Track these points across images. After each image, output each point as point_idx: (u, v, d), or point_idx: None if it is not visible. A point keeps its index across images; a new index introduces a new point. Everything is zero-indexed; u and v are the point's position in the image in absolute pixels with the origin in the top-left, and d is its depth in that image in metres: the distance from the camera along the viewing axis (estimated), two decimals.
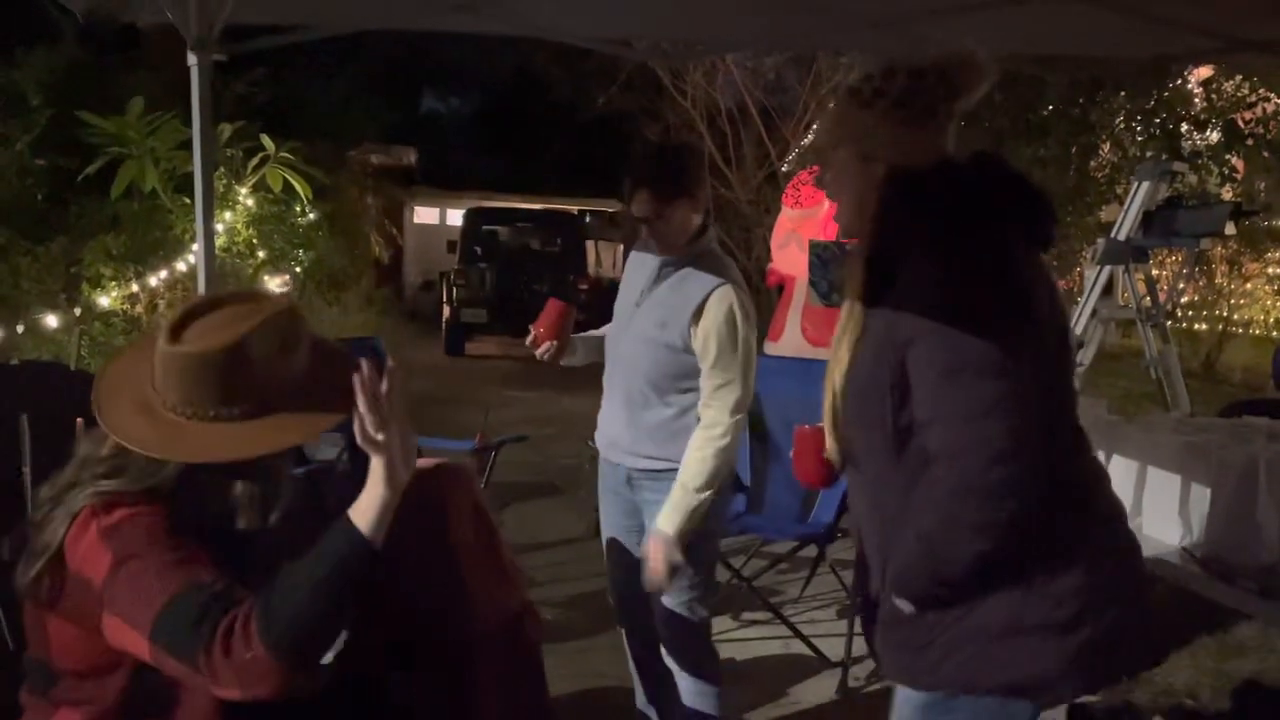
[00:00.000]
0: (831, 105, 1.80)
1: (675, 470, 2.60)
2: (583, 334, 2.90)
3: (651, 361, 2.64)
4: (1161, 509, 2.78)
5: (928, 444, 1.61)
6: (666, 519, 2.53)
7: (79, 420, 2.24)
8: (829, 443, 1.77)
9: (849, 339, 1.71)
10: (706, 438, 2.55)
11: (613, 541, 2.87)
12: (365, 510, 1.50)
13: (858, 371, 1.69)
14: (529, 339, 2.77)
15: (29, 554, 1.59)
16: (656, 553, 2.53)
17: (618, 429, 2.74)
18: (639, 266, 2.78)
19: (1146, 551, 2.82)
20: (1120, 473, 2.94)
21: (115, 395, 1.62)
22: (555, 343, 2.74)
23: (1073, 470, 1.67)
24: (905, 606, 1.66)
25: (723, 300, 2.55)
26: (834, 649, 3.75)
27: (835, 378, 1.71)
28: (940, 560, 1.60)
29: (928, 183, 1.68)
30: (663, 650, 2.77)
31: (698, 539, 2.62)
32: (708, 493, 2.53)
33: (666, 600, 2.69)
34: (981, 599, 1.61)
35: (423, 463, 2.25)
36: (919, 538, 1.61)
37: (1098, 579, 1.62)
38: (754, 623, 4.15)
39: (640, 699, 2.93)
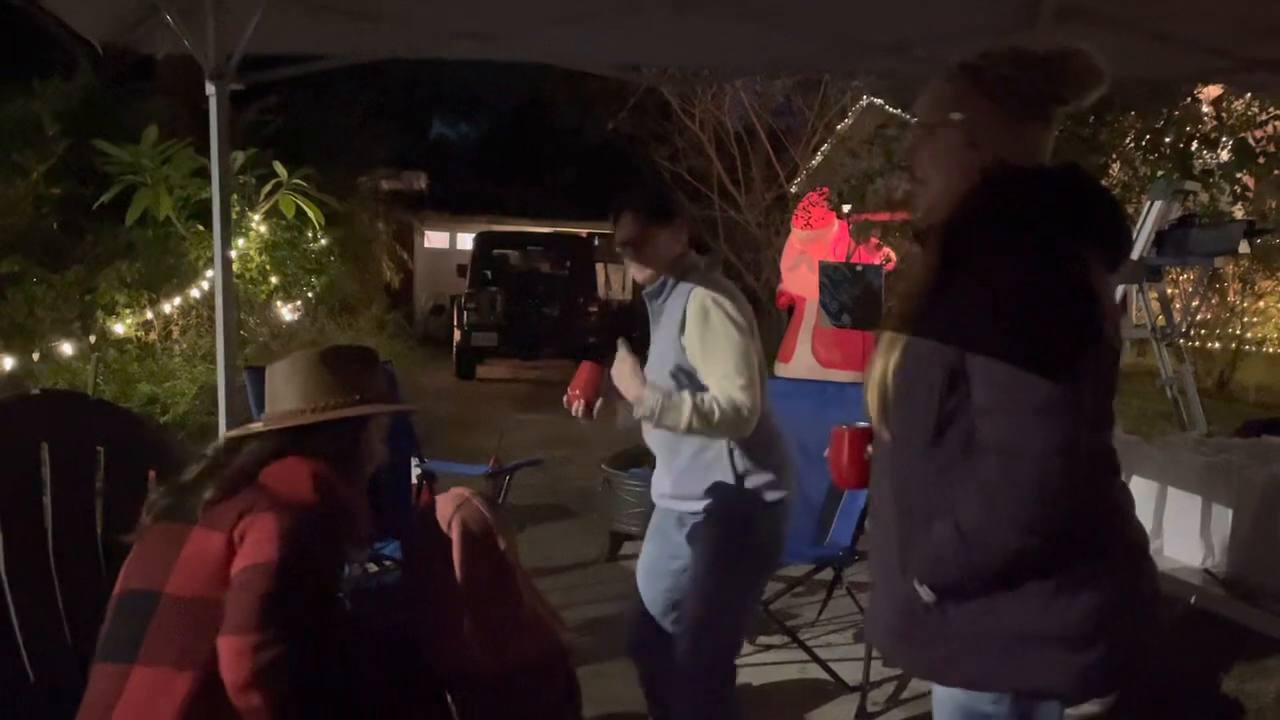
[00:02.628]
0: (945, 80, 1.75)
1: (718, 511, 2.61)
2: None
3: None
4: (1183, 530, 2.76)
5: (983, 434, 1.60)
6: (656, 387, 2.54)
7: (100, 449, 2.26)
8: (874, 417, 1.75)
9: (909, 319, 1.70)
10: (726, 395, 2.52)
11: (643, 581, 2.86)
12: None
13: (915, 348, 1.67)
14: (564, 399, 2.76)
15: (198, 481, 1.86)
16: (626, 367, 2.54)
17: (661, 476, 2.77)
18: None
19: (1168, 573, 2.81)
20: (1141, 493, 2.92)
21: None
22: (585, 401, 2.71)
23: (1107, 489, 1.68)
24: (926, 595, 1.66)
25: (695, 300, 2.59)
26: (852, 673, 3.73)
27: (893, 354, 1.70)
28: (978, 552, 1.60)
29: (1025, 185, 1.68)
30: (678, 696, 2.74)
31: (737, 559, 2.61)
32: (694, 423, 2.51)
33: (687, 650, 2.67)
34: (1003, 600, 1.62)
35: (444, 500, 2.27)
36: (959, 528, 1.61)
37: (1118, 599, 1.63)
38: (770, 647, 4.12)
39: None
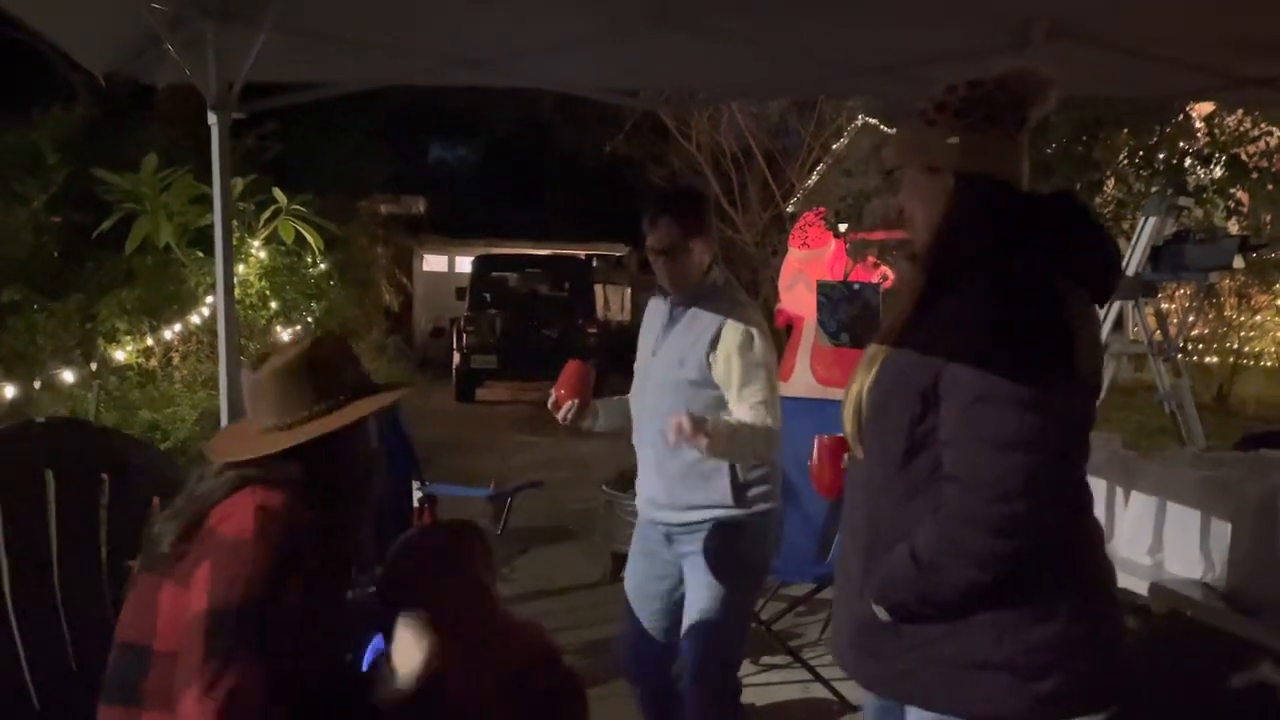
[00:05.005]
0: (904, 126, 1.85)
1: (713, 522, 2.59)
2: (605, 399, 2.90)
3: (672, 401, 2.62)
4: (1182, 544, 2.76)
5: (945, 464, 1.62)
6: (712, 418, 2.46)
7: (104, 476, 2.27)
8: (849, 433, 1.78)
9: (891, 338, 1.73)
10: (762, 422, 2.52)
11: (634, 601, 2.83)
12: None
13: (891, 372, 1.70)
14: (550, 401, 2.77)
15: (162, 525, 1.77)
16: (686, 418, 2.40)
17: (652, 483, 2.71)
18: (653, 318, 2.80)
19: (1168, 587, 2.82)
20: (1139, 508, 2.92)
21: (223, 445, 1.91)
22: (576, 402, 2.73)
23: (1075, 524, 1.69)
24: (882, 614, 1.68)
25: (737, 325, 2.58)
26: (855, 692, 3.71)
27: (870, 373, 1.73)
28: (931, 581, 1.61)
29: (1000, 195, 1.70)
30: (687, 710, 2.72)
31: (737, 571, 2.61)
32: (747, 448, 2.51)
33: (694, 666, 2.65)
34: (960, 626, 1.63)
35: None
36: (915, 555, 1.62)
37: (1075, 634, 1.63)
38: (773, 666, 4.12)
39: None
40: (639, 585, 2.83)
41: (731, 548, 2.62)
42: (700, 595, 2.65)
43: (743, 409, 2.56)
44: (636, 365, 2.83)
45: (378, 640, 3.10)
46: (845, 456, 1.89)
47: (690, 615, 2.67)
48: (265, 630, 1.61)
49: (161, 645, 1.69)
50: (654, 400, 2.71)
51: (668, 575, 2.75)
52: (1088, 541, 1.72)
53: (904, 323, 1.72)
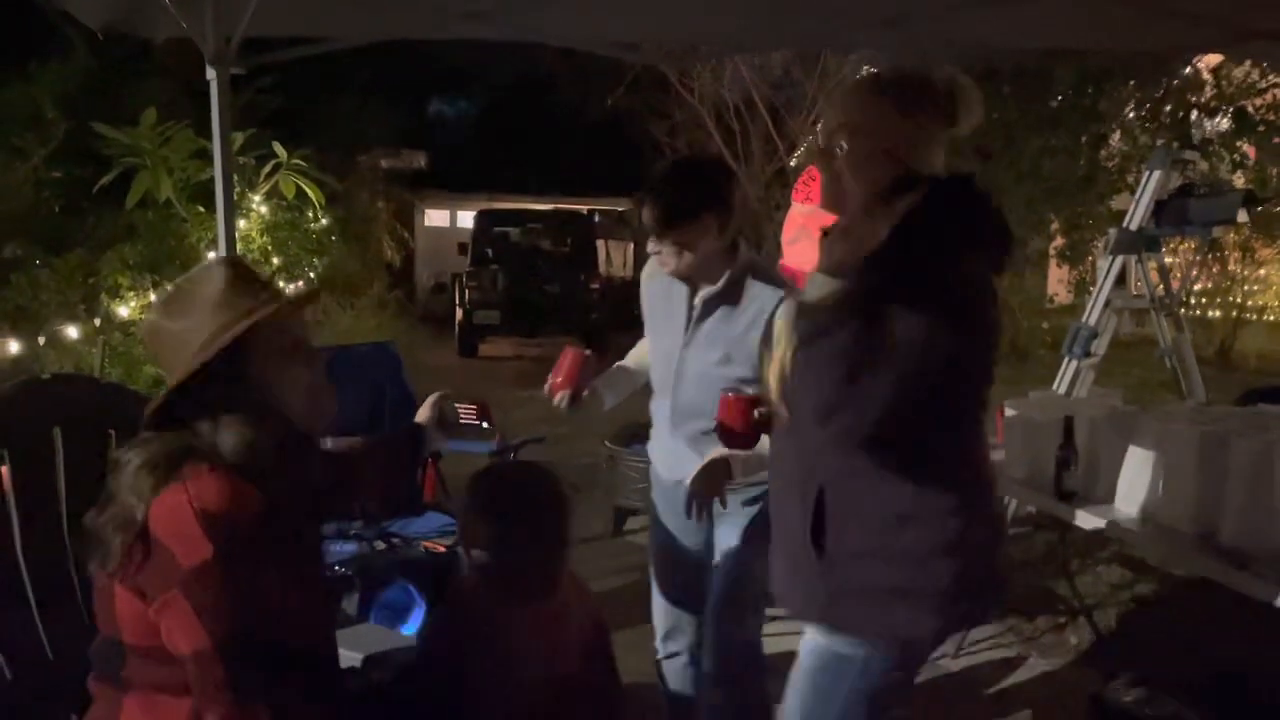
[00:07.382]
0: (854, 92, 1.90)
1: (751, 493, 2.51)
2: (606, 375, 2.80)
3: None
4: (1179, 498, 2.78)
5: (881, 428, 1.75)
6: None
7: (111, 431, 2.29)
8: (775, 396, 1.91)
9: (819, 308, 1.82)
10: None
11: (664, 560, 2.79)
12: None
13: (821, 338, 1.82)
14: (545, 388, 2.69)
15: (104, 521, 1.68)
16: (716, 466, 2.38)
17: (687, 461, 2.53)
18: (668, 299, 2.61)
19: (1164, 541, 2.85)
20: (1137, 462, 2.94)
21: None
22: (570, 392, 2.67)
23: (976, 469, 1.90)
24: (817, 552, 1.86)
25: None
26: None
27: (794, 342, 1.84)
28: (864, 524, 1.82)
29: (927, 195, 1.79)
30: (708, 676, 2.73)
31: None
32: None
33: (730, 625, 2.68)
34: (884, 561, 1.83)
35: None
36: (848, 503, 1.82)
37: (977, 565, 1.87)
38: (777, 618, 4.16)
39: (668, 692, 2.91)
40: (669, 545, 2.76)
41: (763, 511, 2.58)
42: (730, 552, 2.62)
43: None
44: (660, 353, 2.66)
45: (387, 594, 3.15)
46: (755, 412, 2.11)
47: (726, 577, 2.64)
48: (269, 623, 1.63)
49: (130, 639, 1.67)
50: (692, 397, 2.55)
51: (698, 532, 2.68)
52: (989, 484, 1.94)
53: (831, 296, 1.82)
